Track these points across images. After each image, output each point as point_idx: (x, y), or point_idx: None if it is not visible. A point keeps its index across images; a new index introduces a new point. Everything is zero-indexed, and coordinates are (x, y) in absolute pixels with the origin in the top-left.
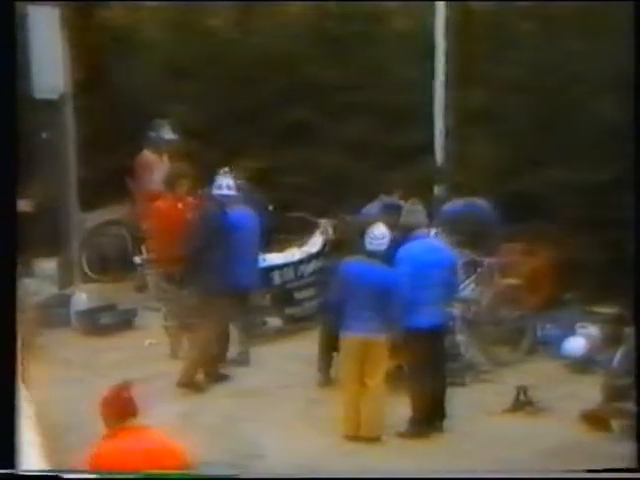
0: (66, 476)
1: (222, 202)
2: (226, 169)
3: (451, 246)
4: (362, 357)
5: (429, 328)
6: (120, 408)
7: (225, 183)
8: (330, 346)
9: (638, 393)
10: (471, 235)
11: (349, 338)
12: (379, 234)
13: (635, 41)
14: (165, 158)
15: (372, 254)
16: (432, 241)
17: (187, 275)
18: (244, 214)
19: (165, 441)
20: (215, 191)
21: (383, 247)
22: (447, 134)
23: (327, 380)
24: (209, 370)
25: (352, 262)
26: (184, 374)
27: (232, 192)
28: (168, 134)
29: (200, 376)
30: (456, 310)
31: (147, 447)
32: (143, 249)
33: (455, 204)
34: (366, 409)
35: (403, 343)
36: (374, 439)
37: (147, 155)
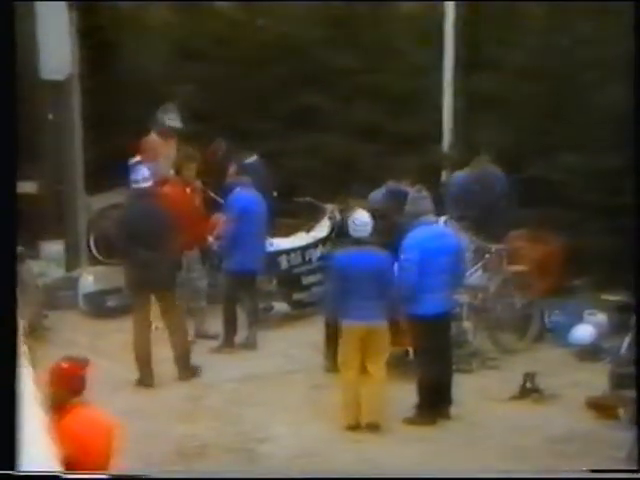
0: (66, 476)
1: (139, 194)
2: (137, 158)
3: (459, 232)
4: (362, 344)
5: (436, 315)
6: (73, 385)
7: (140, 175)
8: (335, 333)
9: (638, 391)
10: (482, 207)
11: (348, 326)
12: (361, 220)
13: (635, 41)
14: (172, 142)
15: (358, 241)
16: (439, 227)
17: (195, 258)
18: (252, 198)
19: (95, 420)
20: (132, 183)
21: (367, 233)
22: (455, 119)
23: (334, 366)
24: (180, 360)
25: (342, 252)
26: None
27: (149, 183)
28: (175, 120)
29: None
30: (463, 297)
31: (76, 425)
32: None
33: (466, 172)
34: (367, 396)
35: (410, 329)
36: (374, 426)
37: (154, 139)
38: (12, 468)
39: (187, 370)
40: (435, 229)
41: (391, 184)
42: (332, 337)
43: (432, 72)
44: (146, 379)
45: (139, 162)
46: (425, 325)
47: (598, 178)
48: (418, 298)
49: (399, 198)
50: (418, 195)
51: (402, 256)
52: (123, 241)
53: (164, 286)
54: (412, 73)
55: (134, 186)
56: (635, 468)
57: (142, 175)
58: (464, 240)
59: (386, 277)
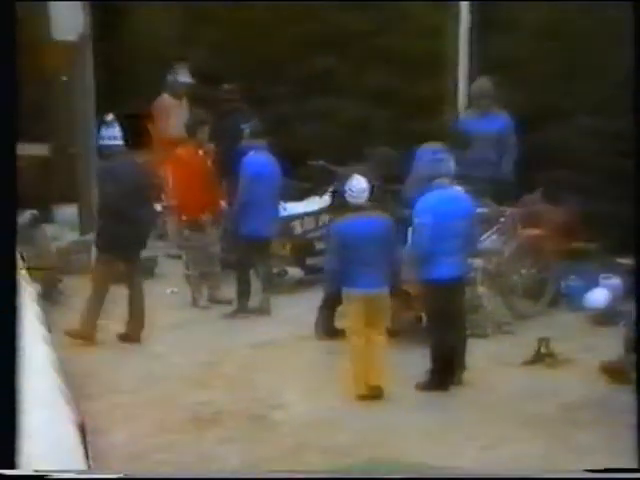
0: (53, 476)
1: (108, 153)
2: (110, 117)
3: (473, 196)
4: (366, 312)
5: (450, 279)
6: None
7: (109, 133)
8: (329, 301)
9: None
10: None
11: (351, 294)
12: (357, 187)
13: (635, 41)
14: (184, 102)
15: (357, 207)
16: (453, 191)
17: (209, 223)
18: (265, 161)
19: None
20: (99, 142)
21: (364, 199)
22: (471, 82)
23: (323, 335)
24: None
25: (342, 220)
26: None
27: (118, 142)
28: (186, 77)
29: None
30: (478, 261)
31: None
32: (163, 196)
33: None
34: (371, 362)
35: (423, 294)
36: (378, 390)
37: (166, 99)
38: (12, 468)
39: (136, 340)
40: (449, 192)
41: (382, 149)
42: (326, 305)
43: (448, 34)
44: (90, 335)
45: (112, 120)
46: (439, 289)
47: (614, 141)
48: (432, 262)
49: (389, 164)
50: (435, 157)
51: (415, 220)
52: (100, 200)
53: (133, 248)
54: (427, 35)
55: (102, 143)
56: (636, 468)
57: (112, 134)
58: (478, 204)
59: (387, 243)
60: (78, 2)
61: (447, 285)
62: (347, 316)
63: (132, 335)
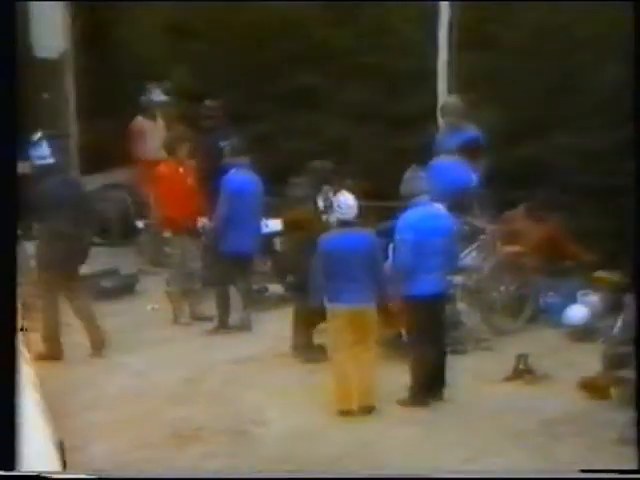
0: (47, 475)
1: (46, 170)
2: (38, 135)
3: (452, 213)
4: (352, 328)
5: (430, 296)
6: None
7: (38, 153)
8: (308, 321)
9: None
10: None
11: (336, 310)
12: (345, 203)
13: (635, 41)
14: (160, 122)
15: (344, 223)
16: (433, 208)
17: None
18: (246, 178)
19: None
20: (35, 159)
21: (351, 215)
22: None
23: (300, 353)
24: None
25: (329, 235)
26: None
27: (48, 161)
28: (159, 96)
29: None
30: (458, 278)
31: None
32: (145, 214)
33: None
34: (359, 379)
35: (403, 311)
36: (368, 408)
37: (140, 121)
38: (12, 468)
39: (99, 354)
40: (429, 210)
41: (320, 162)
42: (300, 322)
43: (429, 52)
44: (56, 353)
45: (41, 138)
46: (419, 306)
47: (592, 159)
48: (413, 279)
49: (327, 177)
50: (413, 175)
51: (397, 237)
52: (37, 216)
53: (75, 264)
54: (409, 53)
55: (38, 162)
56: (635, 468)
57: (45, 152)
58: (457, 221)
59: (372, 259)
60: (60, 20)
61: (428, 301)
62: (331, 332)
63: (94, 350)
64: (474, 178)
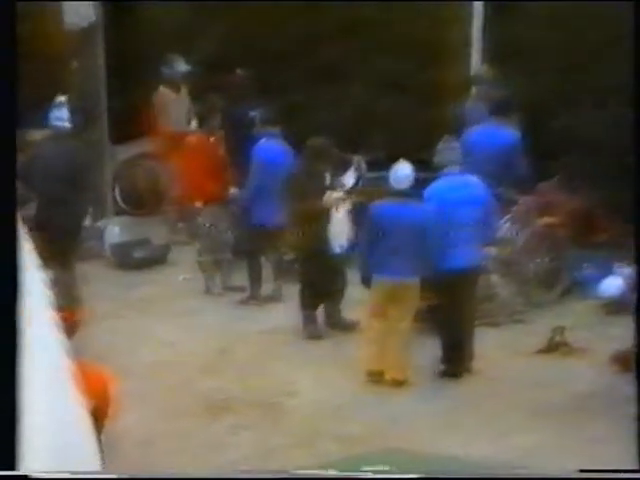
0: (34, 475)
1: (55, 134)
2: (62, 99)
3: (489, 183)
4: (391, 300)
5: (461, 269)
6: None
7: (57, 115)
8: (315, 295)
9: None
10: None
11: (380, 281)
12: (403, 172)
13: (635, 41)
14: (183, 93)
15: (399, 192)
16: (463, 178)
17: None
18: (276, 149)
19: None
20: (51, 121)
21: (408, 184)
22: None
23: (315, 332)
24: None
25: (381, 203)
26: None
27: (65, 124)
28: (182, 66)
29: None
30: (491, 249)
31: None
32: (176, 184)
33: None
34: (392, 352)
35: (435, 283)
36: (399, 382)
37: (163, 92)
38: (12, 468)
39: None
40: (458, 180)
41: (318, 139)
42: (311, 298)
43: (459, 22)
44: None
45: (62, 102)
46: (450, 279)
47: (625, 131)
48: (443, 251)
49: (325, 154)
50: (446, 145)
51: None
52: (32, 181)
53: (67, 234)
54: (439, 23)
55: (53, 124)
56: (636, 468)
57: (61, 116)
58: (491, 191)
59: (422, 232)
60: None
61: (459, 274)
62: (371, 301)
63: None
64: (518, 136)
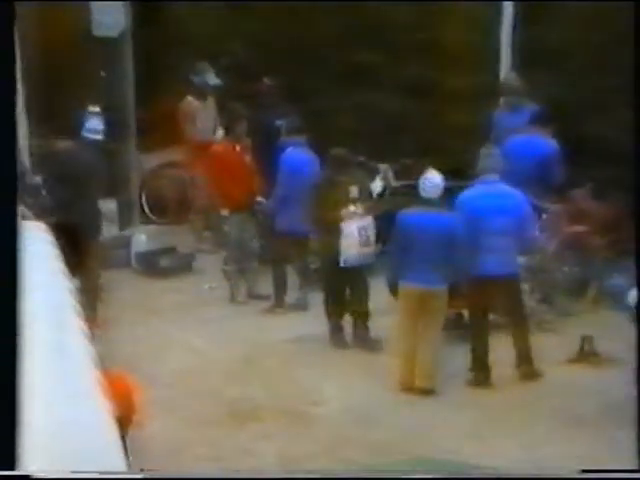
0: (36, 475)
1: (87, 145)
2: (95, 109)
3: (523, 193)
4: (419, 308)
5: (493, 275)
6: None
7: (90, 125)
8: (337, 303)
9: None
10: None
11: (409, 289)
12: (432, 181)
13: (635, 41)
14: (210, 102)
15: (428, 201)
16: (498, 187)
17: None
18: (303, 157)
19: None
20: (83, 132)
21: (437, 194)
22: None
23: (342, 340)
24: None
25: (410, 212)
26: None
27: (98, 136)
28: (212, 79)
29: None
30: (521, 258)
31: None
32: (203, 193)
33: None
34: (422, 360)
35: (466, 291)
36: (428, 391)
37: (189, 102)
38: (12, 468)
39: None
40: (493, 188)
41: (338, 150)
42: (337, 305)
43: (489, 26)
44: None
45: (95, 112)
46: (481, 286)
47: None
48: (474, 258)
49: (345, 165)
50: (488, 152)
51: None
52: (52, 186)
53: (86, 236)
54: (469, 28)
55: (84, 135)
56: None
57: (95, 127)
58: (528, 201)
59: (450, 241)
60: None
61: (488, 281)
62: (400, 310)
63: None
64: (556, 146)
